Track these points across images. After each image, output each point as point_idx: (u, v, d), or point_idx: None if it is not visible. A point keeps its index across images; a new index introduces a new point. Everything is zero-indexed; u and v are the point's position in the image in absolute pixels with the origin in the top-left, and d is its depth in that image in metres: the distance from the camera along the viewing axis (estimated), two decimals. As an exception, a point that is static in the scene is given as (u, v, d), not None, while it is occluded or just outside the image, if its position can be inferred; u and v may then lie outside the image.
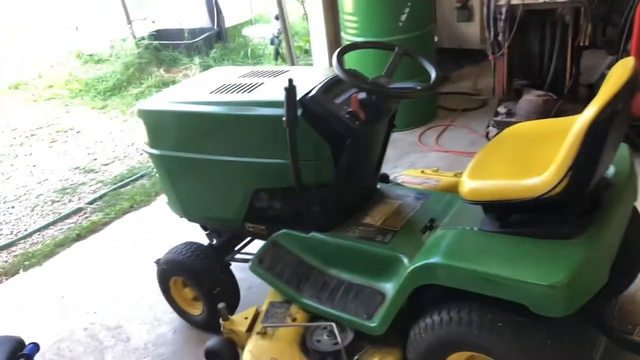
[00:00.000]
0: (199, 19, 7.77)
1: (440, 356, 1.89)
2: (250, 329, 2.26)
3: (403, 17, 4.17)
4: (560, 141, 1.64)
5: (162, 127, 2.54)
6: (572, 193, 1.64)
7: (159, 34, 7.69)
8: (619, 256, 1.90)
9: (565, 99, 3.92)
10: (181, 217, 2.78)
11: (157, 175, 2.66)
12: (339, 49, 2.25)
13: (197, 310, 2.74)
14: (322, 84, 2.24)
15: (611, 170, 1.99)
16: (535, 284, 1.60)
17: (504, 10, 3.82)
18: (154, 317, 2.96)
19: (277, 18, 6.89)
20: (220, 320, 2.31)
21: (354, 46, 2.42)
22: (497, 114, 4.03)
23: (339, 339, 2.07)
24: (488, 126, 4.07)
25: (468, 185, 1.88)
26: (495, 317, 1.74)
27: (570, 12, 3.76)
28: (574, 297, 1.62)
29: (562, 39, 3.89)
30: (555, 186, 1.62)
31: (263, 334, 2.17)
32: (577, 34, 3.80)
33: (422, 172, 2.85)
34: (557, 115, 3.56)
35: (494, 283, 1.69)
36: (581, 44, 3.83)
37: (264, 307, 2.30)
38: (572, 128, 1.60)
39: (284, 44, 6.08)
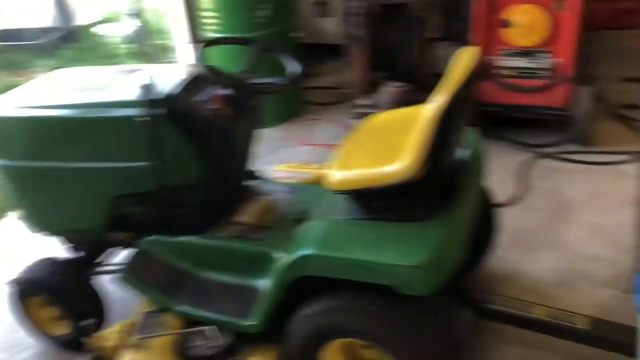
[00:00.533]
0: (48, 18, 7.23)
1: (317, 345, 1.93)
2: (123, 343, 2.14)
3: (263, 13, 4.17)
4: (415, 129, 1.73)
5: (8, 135, 2.32)
6: (426, 177, 1.74)
7: (4, 34, 7.04)
8: (473, 231, 2.06)
9: (421, 88, 4.15)
10: (37, 232, 2.56)
11: (6, 188, 2.42)
12: (200, 44, 2.21)
13: (61, 330, 2.55)
14: (182, 81, 2.18)
15: (462, 153, 2.13)
16: (400, 265, 1.68)
17: (360, 5, 3.96)
18: (18, 342, 2.71)
19: (132, 15, 6.58)
20: (87, 338, 2.17)
21: (212, 42, 2.38)
22: (357, 106, 4.17)
23: (215, 342, 2.03)
24: (350, 118, 4.20)
25: (334, 176, 1.92)
26: (366, 302, 1.81)
27: (422, 6, 3.99)
28: (437, 275, 1.73)
29: (415, 32, 4.12)
30: (411, 171, 1.71)
31: (137, 346, 2.07)
32: (429, 27, 4.05)
33: (292, 166, 2.87)
34: (414, 104, 3.76)
35: (363, 268, 1.75)
36: (432, 37, 4.09)
37: (136, 319, 2.20)
38: (421, 116, 1.69)
39: (144, 42, 5.86)
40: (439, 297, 1.80)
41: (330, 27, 5.61)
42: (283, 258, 1.96)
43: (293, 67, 2.25)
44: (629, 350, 1.70)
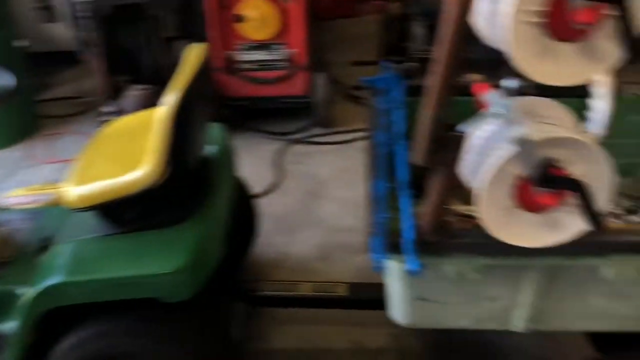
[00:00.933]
0: None
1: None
2: None
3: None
4: (152, 131, 1.67)
5: None
6: (172, 179, 1.69)
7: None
8: (233, 225, 2.08)
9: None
10: None
11: None
12: None
13: None
14: None
15: (208, 149, 2.13)
16: (159, 274, 1.62)
17: (87, 7, 3.69)
18: None
19: None
20: None
21: None
22: (102, 114, 3.92)
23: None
24: (96, 128, 3.93)
25: (73, 193, 1.76)
26: (130, 320, 1.71)
27: (156, 5, 3.88)
28: (198, 276, 1.70)
29: (152, 32, 3.99)
30: (154, 176, 1.64)
31: None
32: (166, 26, 3.96)
33: (32, 189, 2.57)
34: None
35: (120, 286, 1.65)
36: (171, 36, 4.01)
37: None
38: (156, 117, 1.64)
39: None
40: (208, 297, 1.78)
41: (61, 32, 5.15)
42: (27, 293, 1.74)
43: (3, 79, 2.00)
44: (383, 305, 1.89)
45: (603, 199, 1.32)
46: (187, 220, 1.77)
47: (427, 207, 1.40)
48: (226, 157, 2.19)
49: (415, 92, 1.62)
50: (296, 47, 3.73)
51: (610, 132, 2.28)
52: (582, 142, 1.25)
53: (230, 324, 2.30)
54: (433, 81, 1.24)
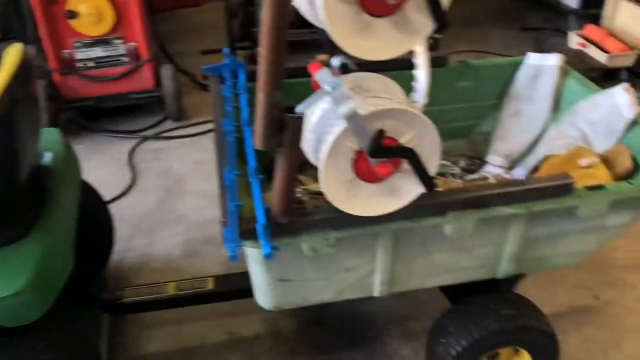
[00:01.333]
0: None
1: None
2: None
3: None
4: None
5: None
6: (3, 194, 1.55)
7: None
8: (85, 232, 1.96)
9: None
10: None
11: None
12: None
13: None
14: None
15: (47, 156, 1.98)
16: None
17: None
18: None
19: None
20: None
21: None
22: None
23: None
24: None
25: None
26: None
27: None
28: (43, 294, 1.58)
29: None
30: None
31: None
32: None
33: None
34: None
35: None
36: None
37: None
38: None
39: None
40: (63, 314, 1.67)
41: None
42: None
43: None
44: (251, 293, 1.88)
45: (433, 162, 1.41)
46: (29, 235, 1.64)
47: (275, 190, 1.41)
48: (66, 164, 2.05)
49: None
50: (136, 40, 3.57)
51: (445, 98, 2.46)
52: (408, 112, 1.32)
53: (95, 337, 2.19)
54: (262, 65, 1.25)
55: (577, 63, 4.04)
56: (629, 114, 1.99)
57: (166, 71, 3.72)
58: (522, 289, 2.07)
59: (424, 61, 1.44)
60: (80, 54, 3.54)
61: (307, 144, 1.51)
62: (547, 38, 4.87)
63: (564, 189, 1.60)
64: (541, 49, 4.77)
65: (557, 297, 2.45)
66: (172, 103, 3.74)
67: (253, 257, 1.56)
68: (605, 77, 4.05)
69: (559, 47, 4.70)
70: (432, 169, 1.41)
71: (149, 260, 2.69)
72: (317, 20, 1.33)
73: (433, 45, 4.74)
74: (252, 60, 3.57)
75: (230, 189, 1.55)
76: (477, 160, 2.42)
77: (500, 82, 2.47)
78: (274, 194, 1.42)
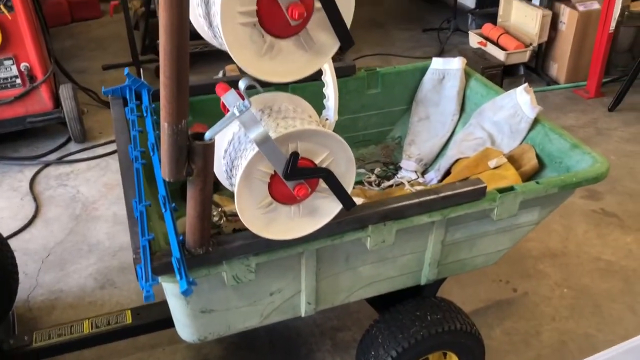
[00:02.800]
0: None
1: None
2: None
3: None
4: None
5: None
6: None
7: None
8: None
9: None
10: None
11: None
12: None
13: None
14: None
15: None
16: None
17: None
18: None
19: None
20: None
21: None
22: None
23: None
24: None
25: None
26: None
27: None
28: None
29: None
30: None
31: None
32: None
33: None
34: None
35: None
36: None
37: None
38: None
39: None
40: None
41: None
42: None
43: None
44: (170, 323, 1.79)
45: (349, 179, 1.39)
46: None
47: (188, 222, 1.34)
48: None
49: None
50: (29, 60, 3.34)
51: (356, 107, 2.47)
52: (320, 132, 1.30)
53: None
54: (164, 93, 1.17)
55: (479, 61, 4.21)
56: (530, 113, 2.07)
57: (65, 91, 3.51)
58: (445, 289, 2.11)
59: (331, 79, 1.42)
60: (-35, 79, 3.28)
61: (219, 170, 1.45)
62: (448, 38, 5.05)
63: (477, 194, 1.64)
64: (443, 49, 4.94)
65: (479, 294, 2.52)
66: (74, 124, 3.53)
67: (170, 290, 1.48)
68: (505, 73, 4.24)
69: (461, 46, 4.88)
70: (349, 186, 1.40)
71: (60, 296, 2.52)
72: (218, 43, 1.27)
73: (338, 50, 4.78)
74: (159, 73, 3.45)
75: (139, 222, 1.46)
76: (392, 166, 2.45)
77: (408, 87, 2.51)
78: (187, 225, 1.35)
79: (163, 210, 1.49)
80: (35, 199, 3.14)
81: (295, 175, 1.28)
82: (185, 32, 1.12)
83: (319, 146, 1.32)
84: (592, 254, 2.74)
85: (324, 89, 1.46)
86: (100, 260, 2.72)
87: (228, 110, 1.29)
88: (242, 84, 1.28)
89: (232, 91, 1.30)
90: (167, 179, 1.27)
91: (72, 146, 3.63)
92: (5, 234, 2.80)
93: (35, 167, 3.42)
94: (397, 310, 1.89)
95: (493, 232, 1.82)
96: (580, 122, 3.88)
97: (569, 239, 2.84)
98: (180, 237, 1.40)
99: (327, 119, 1.46)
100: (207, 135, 1.26)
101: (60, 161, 3.50)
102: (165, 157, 1.23)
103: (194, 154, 1.25)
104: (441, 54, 4.85)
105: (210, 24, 1.17)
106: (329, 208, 1.43)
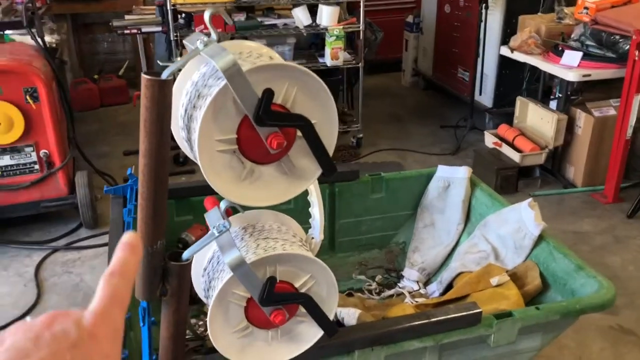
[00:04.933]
0: None
1: None
2: None
3: None
4: None
5: None
6: None
7: None
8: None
9: None
10: None
11: None
12: None
13: None
14: None
15: None
16: None
17: None
18: None
19: None
20: None
21: None
22: None
23: None
24: None
25: None
26: None
27: None
28: None
29: None
30: None
31: None
32: None
33: None
34: None
35: None
36: None
37: None
38: None
39: None
40: None
41: None
42: None
43: None
44: None
45: (332, 305, 1.34)
46: None
47: (162, 346, 1.29)
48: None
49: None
50: (48, 147, 3.43)
51: (359, 210, 2.44)
52: (300, 256, 1.26)
53: None
54: (141, 214, 1.17)
55: (494, 162, 4.19)
56: (534, 230, 2.01)
57: (81, 178, 3.57)
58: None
59: (316, 199, 1.40)
60: (-15, 163, 3.37)
61: (199, 288, 1.41)
62: (465, 136, 5.07)
63: (472, 319, 1.56)
64: (459, 146, 4.95)
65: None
66: (86, 211, 3.56)
67: (142, 412, 1.41)
68: (521, 174, 4.20)
69: (477, 144, 4.89)
70: (330, 312, 1.34)
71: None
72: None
73: (356, 144, 4.84)
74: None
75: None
76: (394, 274, 2.38)
77: (413, 193, 2.48)
78: (160, 347, 1.30)
79: (141, 324, 1.45)
80: (38, 285, 3.12)
81: (272, 301, 1.24)
82: (164, 158, 1.12)
83: (299, 270, 1.28)
84: (609, 376, 2.57)
85: (309, 208, 1.44)
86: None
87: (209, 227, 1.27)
88: (222, 205, 1.27)
89: (216, 209, 1.28)
90: (139, 299, 1.24)
91: (83, 232, 3.64)
92: (3, 322, 2.77)
93: (43, 252, 3.43)
94: None
95: (492, 358, 1.72)
96: (597, 229, 3.77)
97: (583, 358, 2.68)
98: (154, 357, 1.34)
99: (313, 238, 1.43)
100: (185, 255, 1.24)
101: (68, 247, 3.50)
102: (139, 277, 1.21)
103: (169, 274, 1.22)
104: (457, 151, 4.86)
105: (191, 149, 1.17)
106: (310, 333, 1.36)
